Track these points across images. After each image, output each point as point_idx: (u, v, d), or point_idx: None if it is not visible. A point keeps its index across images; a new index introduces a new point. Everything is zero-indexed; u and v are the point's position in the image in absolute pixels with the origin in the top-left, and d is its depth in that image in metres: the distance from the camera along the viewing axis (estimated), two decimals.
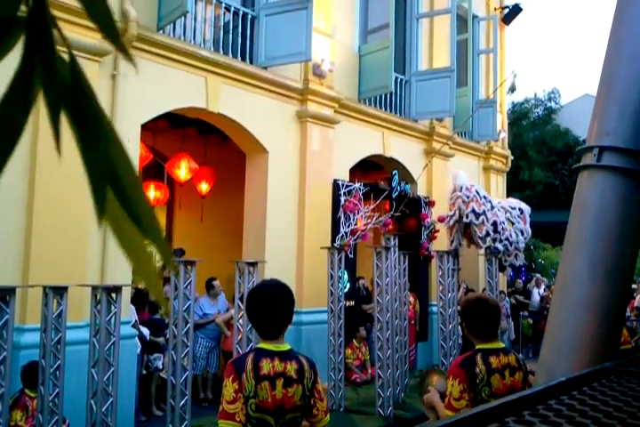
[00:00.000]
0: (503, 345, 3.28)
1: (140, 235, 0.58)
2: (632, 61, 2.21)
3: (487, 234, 9.14)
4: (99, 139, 0.56)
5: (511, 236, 9.61)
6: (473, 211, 9.03)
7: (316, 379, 2.73)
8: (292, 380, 2.62)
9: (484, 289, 10.49)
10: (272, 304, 2.68)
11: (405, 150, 11.51)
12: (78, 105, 0.55)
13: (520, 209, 10.14)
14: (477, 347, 3.17)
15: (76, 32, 5.99)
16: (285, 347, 2.71)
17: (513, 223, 9.79)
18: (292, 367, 2.64)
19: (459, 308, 7.87)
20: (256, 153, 9.21)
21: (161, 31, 7.83)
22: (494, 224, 9.30)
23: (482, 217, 9.11)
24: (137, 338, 7.42)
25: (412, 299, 10.83)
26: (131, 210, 0.57)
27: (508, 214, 9.70)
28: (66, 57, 0.55)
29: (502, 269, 9.83)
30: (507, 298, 12.73)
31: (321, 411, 2.72)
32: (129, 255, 0.59)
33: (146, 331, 7.76)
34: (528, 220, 10.24)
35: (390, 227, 10.00)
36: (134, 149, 7.25)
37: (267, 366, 2.59)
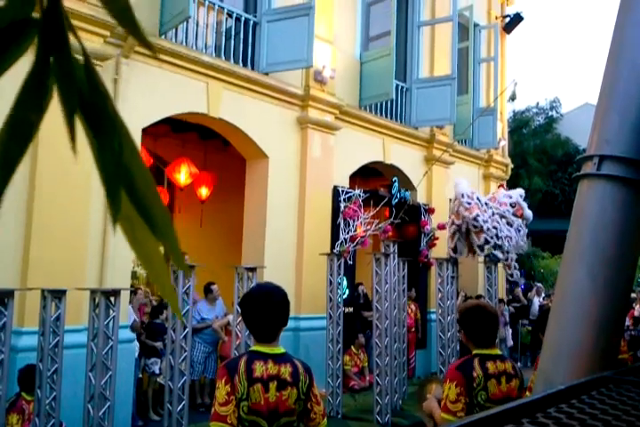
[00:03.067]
0: (500, 353, 3.28)
1: (152, 238, 0.57)
2: (633, 70, 2.21)
3: (486, 242, 9.12)
4: (112, 138, 0.54)
5: (511, 240, 9.59)
6: (475, 218, 9.03)
7: (312, 383, 2.71)
8: (286, 383, 2.61)
9: (479, 296, 10.49)
10: (266, 307, 2.68)
11: (406, 157, 11.53)
12: (93, 103, 0.54)
13: (512, 204, 10.06)
14: (475, 352, 3.16)
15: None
16: (280, 350, 2.71)
17: (511, 225, 9.76)
18: (286, 370, 2.63)
19: (457, 315, 7.86)
20: (256, 158, 9.23)
21: (163, 36, 7.86)
22: (495, 229, 9.28)
23: (486, 224, 9.10)
24: (136, 341, 7.41)
25: (413, 307, 10.82)
26: (144, 212, 0.56)
27: (504, 220, 9.67)
28: (79, 57, 0.55)
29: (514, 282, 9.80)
30: (506, 306, 12.72)
31: (318, 415, 2.70)
32: (141, 258, 0.58)
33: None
34: (525, 205, 10.17)
35: (390, 234, 10.00)
36: None
37: (260, 369, 2.58)
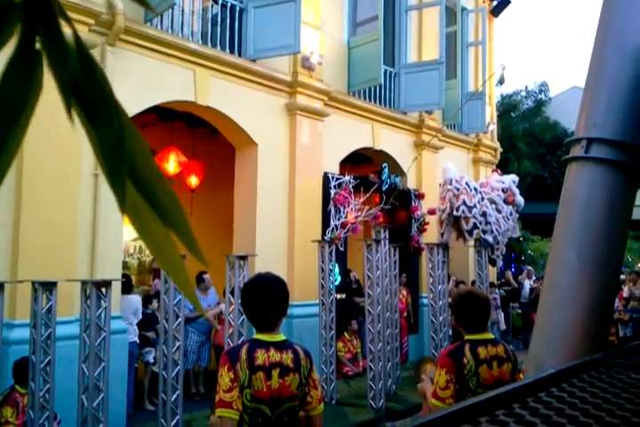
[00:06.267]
0: (492, 336, 3.30)
1: (161, 225, 0.52)
2: (619, 53, 2.21)
3: (475, 227, 9.14)
4: (111, 115, 0.50)
5: (500, 227, 9.62)
6: (464, 203, 9.03)
7: (312, 367, 2.76)
8: (288, 369, 2.64)
9: (473, 282, 10.53)
10: (266, 297, 2.71)
11: (395, 143, 11.51)
12: (87, 80, 0.50)
13: (504, 189, 10.07)
14: (466, 338, 3.18)
15: (62, 25, 5.92)
16: (280, 337, 2.75)
17: (500, 211, 9.80)
18: (288, 357, 2.67)
19: (449, 300, 7.91)
20: (245, 146, 9.18)
21: (148, 23, 7.76)
22: (484, 215, 9.30)
23: (474, 210, 9.11)
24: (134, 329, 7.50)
25: (404, 292, 10.87)
26: (150, 197, 0.51)
27: (493, 205, 9.69)
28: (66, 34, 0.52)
29: (493, 262, 9.85)
30: (497, 290, 12.79)
31: (315, 399, 2.74)
32: (151, 248, 0.54)
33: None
34: (516, 191, 10.19)
35: (380, 220, 10.00)
36: None
37: (261, 357, 2.62)
